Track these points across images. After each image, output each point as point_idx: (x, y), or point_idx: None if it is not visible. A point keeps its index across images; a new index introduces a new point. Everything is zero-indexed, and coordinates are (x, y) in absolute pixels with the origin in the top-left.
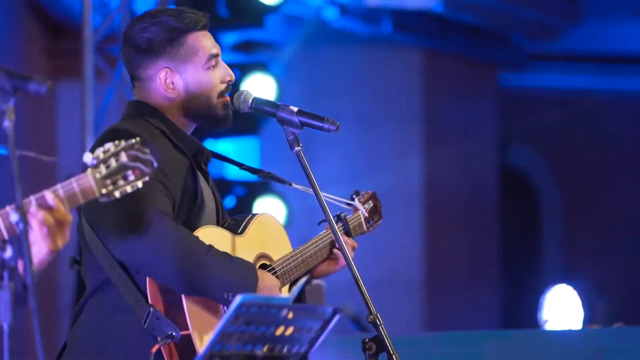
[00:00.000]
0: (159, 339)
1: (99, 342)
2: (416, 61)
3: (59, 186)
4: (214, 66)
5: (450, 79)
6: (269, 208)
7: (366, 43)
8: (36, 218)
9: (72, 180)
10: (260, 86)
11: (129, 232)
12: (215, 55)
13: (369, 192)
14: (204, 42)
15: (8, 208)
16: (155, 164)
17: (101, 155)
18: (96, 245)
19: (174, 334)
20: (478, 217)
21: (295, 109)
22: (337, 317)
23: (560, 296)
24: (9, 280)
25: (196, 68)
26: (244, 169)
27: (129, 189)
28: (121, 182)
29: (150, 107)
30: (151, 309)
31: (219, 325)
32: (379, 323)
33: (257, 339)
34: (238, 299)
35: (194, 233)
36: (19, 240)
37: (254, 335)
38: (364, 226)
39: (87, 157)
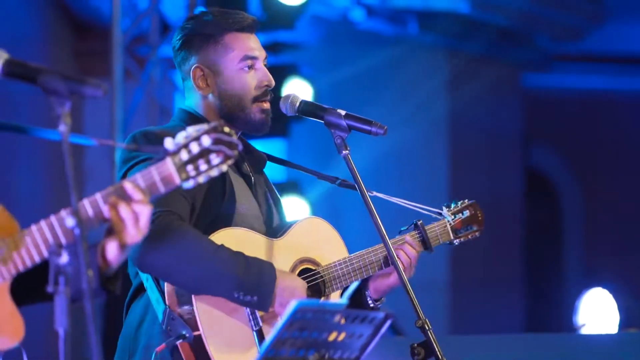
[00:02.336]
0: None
1: (134, 344)
2: (441, 62)
3: (138, 175)
4: (250, 68)
5: (475, 80)
6: (292, 207)
7: (392, 44)
8: (115, 210)
9: (152, 169)
10: (295, 90)
11: None
12: (252, 58)
13: (467, 201)
14: (243, 42)
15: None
16: (240, 146)
17: (182, 140)
18: None
19: (186, 334)
20: (502, 218)
21: (343, 113)
22: (388, 323)
23: (596, 300)
24: (65, 285)
25: (229, 68)
26: (321, 178)
27: (213, 173)
28: (204, 167)
29: (192, 114)
30: (168, 309)
31: (273, 331)
32: (427, 328)
33: (310, 344)
34: (293, 304)
35: (212, 235)
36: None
37: (307, 341)
38: (451, 235)
39: (168, 143)
